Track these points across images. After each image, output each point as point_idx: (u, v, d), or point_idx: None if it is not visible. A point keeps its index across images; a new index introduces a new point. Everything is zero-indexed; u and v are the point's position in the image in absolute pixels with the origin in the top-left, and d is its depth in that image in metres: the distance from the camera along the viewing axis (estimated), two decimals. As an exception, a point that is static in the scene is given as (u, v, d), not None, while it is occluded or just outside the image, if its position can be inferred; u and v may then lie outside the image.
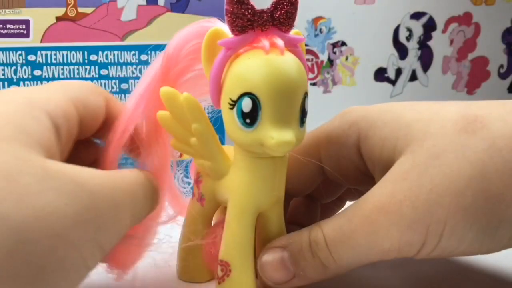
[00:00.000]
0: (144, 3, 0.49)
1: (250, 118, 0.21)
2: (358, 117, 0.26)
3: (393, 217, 0.21)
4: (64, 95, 0.21)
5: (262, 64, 0.20)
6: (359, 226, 0.22)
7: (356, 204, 0.23)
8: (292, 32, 0.22)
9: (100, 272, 0.25)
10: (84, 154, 0.25)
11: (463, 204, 0.21)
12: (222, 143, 0.25)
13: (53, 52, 0.46)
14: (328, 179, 0.28)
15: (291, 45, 0.22)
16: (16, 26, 0.46)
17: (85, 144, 0.25)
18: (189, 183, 0.32)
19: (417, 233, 0.21)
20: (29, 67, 0.46)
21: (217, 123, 0.25)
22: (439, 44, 0.84)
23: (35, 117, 0.18)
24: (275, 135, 0.20)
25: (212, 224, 0.27)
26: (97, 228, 0.17)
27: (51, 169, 0.17)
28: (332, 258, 0.23)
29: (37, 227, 0.15)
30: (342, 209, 0.32)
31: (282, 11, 0.21)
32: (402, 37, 0.83)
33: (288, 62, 0.21)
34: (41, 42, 0.46)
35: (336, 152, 0.26)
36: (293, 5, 0.21)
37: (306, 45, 0.82)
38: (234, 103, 0.21)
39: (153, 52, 0.48)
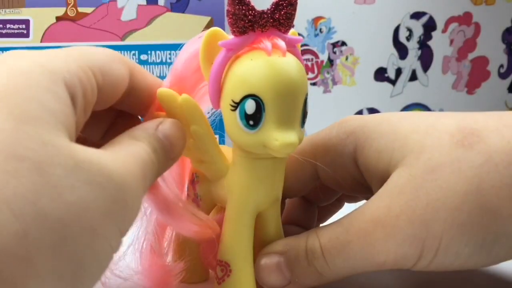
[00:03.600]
0: (144, 3, 0.49)
1: (253, 119, 0.21)
2: (356, 127, 0.26)
3: (390, 231, 0.22)
4: (81, 61, 0.19)
5: (265, 65, 0.20)
6: (356, 237, 0.22)
7: (353, 215, 0.23)
8: (289, 33, 0.22)
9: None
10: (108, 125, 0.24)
11: (459, 220, 0.21)
12: (222, 143, 0.25)
13: (53, 52, 0.46)
14: (324, 184, 0.28)
15: (290, 46, 0.22)
16: (16, 26, 0.46)
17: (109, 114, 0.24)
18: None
19: (412, 247, 0.21)
20: (29, 67, 0.46)
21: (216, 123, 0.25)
22: (439, 44, 0.84)
23: (54, 91, 0.17)
24: (279, 137, 0.20)
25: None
26: (122, 219, 0.17)
27: (80, 159, 0.16)
28: (328, 267, 0.23)
29: (74, 224, 0.15)
30: (340, 211, 0.32)
31: (282, 12, 0.21)
32: (402, 37, 0.83)
33: (291, 64, 0.21)
34: (41, 42, 0.46)
35: (332, 161, 0.26)
36: (293, 6, 0.21)
37: (306, 45, 0.82)
38: (236, 105, 0.21)
39: (153, 52, 0.48)
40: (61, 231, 0.14)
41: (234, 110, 0.21)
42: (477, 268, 0.23)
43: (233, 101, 0.21)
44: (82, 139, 0.22)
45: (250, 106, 0.20)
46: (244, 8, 0.20)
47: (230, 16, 0.21)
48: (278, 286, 0.24)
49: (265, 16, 0.21)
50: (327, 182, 0.28)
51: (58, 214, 0.14)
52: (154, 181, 0.21)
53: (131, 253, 0.25)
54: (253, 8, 0.21)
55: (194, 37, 0.24)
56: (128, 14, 0.49)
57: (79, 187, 0.15)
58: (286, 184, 0.25)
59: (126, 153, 0.19)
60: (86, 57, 0.20)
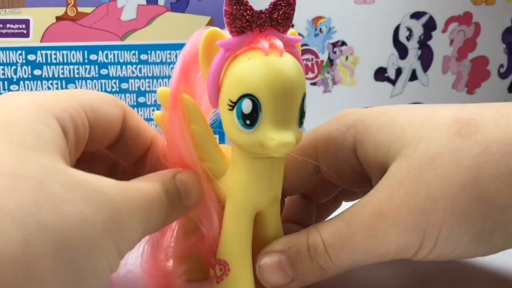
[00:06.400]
0: (144, 2, 0.49)
1: (250, 119, 0.21)
2: (355, 120, 0.26)
3: (391, 222, 0.22)
4: (72, 99, 0.21)
5: (262, 65, 0.20)
6: (358, 231, 0.22)
7: (354, 208, 0.23)
8: (289, 32, 0.22)
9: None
10: (96, 167, 0.25)
11: (458, 209, 0.21)
12: (222, 142, 0.25)
13: (53, 52, 0.46)
14: (324, 179, 0.28)
15: (289, 46, 0.22)
16: (16, 26, 0.46)
17: (99, 157, 0.25)
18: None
19: (414, 237, 0.22)
20: (29, 67, 0.46)
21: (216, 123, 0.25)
22: (439, 43, 0.84)
23: (47, 122, 0.19)
24: (276, 136, 0.20)
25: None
26: (120, 237, 0.18)
27: (75, 177, 0.17)
28: (331, 262, 0.23)
29: (74, 234, 0.16)
30: (338, 209, 0.32)
31: (280, 12, 0.21)
32: (402, 37, 0.83)
33: (288, 64, 0.21)
34: (41, 41, 0.46)
35: (333, 154, 0.27)
36: (291, 6, 0.21)
37: (306, 44, 0.82)
38: (233, 104, 0.21)
39: (153, 52, 0.48)
40: (61, 240, 0.15)
41: (231, 110, 0.21)
42: (476, 256, 0.23)
43: (230, 101, 0.21)
44: None
45: (246, 106, 0.20)
46: (241, 8, 0.20)
47: (228, 16, 0.21)
48: (281, 285, 0.24)
49: (263, 16, 0.21)
50: (328, 176, 0.28)
51: (58, 224, 0.16)
52: (163, 220, 0.22)
53: (134, 258, 0.25)
54: (250, 8, 0.21)
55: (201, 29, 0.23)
56: (128, 14, 0.49)
57: (77, 202, 0.17)
58: (288, 180, 0.25)
59: (132, 186, 0.20)
60: (77, 96, 0.21)
